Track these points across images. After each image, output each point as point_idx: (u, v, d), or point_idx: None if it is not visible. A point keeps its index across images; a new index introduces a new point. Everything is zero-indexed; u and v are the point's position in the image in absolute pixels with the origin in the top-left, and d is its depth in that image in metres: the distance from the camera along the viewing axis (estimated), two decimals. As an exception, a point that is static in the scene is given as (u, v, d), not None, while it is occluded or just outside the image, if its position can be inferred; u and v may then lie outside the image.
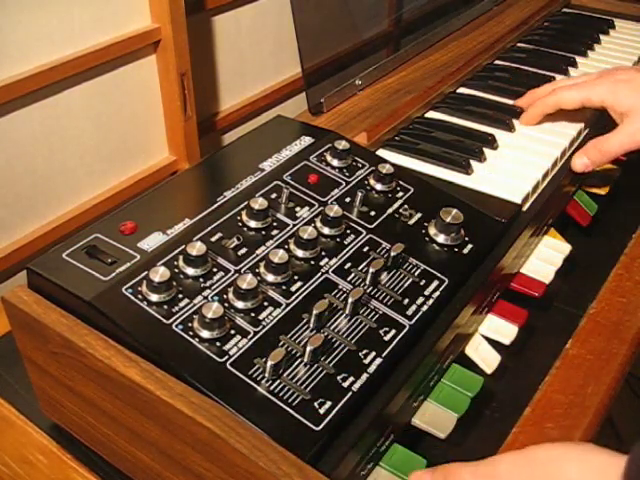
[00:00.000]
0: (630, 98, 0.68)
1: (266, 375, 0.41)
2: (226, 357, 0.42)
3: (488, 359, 0.55)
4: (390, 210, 0.56)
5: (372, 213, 0.55)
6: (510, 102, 0.82)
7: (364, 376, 0.43)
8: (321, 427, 0.39)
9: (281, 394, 0.40)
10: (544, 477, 0.36)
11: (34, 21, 0.65)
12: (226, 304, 0.45)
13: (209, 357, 0.42)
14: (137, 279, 0.45)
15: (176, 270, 0.46)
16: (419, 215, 0.56)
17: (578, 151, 0.72)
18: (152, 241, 0.49)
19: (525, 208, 0.64)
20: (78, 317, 0.44)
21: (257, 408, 0.39)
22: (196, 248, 0.46)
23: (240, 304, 0.45)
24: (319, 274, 0.49)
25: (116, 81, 0.75)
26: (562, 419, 0.51)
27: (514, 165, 0.70)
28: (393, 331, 0.46)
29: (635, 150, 0.69)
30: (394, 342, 0.45)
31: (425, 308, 0.48)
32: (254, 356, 0.42)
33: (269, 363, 0.41)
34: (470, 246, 0.54)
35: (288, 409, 0.40)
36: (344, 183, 0.57)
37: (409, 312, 0.48)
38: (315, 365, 0.43)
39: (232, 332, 0.43)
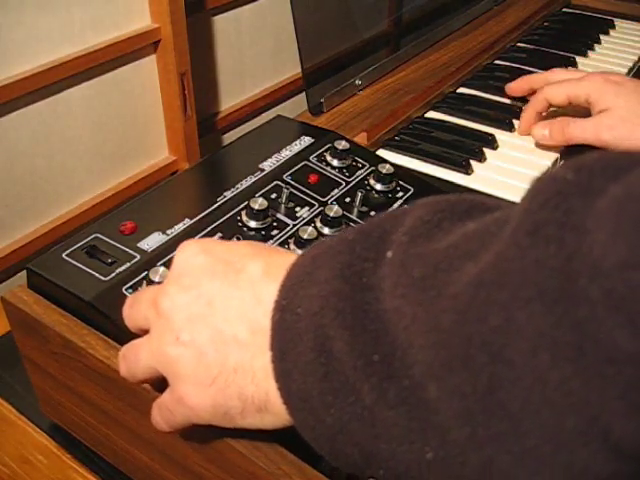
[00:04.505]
0: (612, 97, 0.68)
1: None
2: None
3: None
4: (390, 210, 0.56)
5: (372, 213, 0.55)
6: (510, 102, 0.82)
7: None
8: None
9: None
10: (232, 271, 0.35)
11: (34, 21, 0.65)
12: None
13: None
14: (137, 279, 0.45)
15: (176, 270, 0.46)
16: (419, 215, 0.56)
17: (544, 121, 0.72)
18: (152, 241, 0.49)
19: (525, 208, 0.64)
20: (78, 317, 0.44)
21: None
22: (196, 248, 0.46)
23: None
24: (319, 274, 0.49)
25: (116, 81, 0.75)
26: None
27: (514, 165, 0.70)
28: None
29: (594, 145, 0.67)
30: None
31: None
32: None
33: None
34: (470, 246, 0.54)
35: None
36: (344, 183, 0.57)
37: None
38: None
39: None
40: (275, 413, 0.32)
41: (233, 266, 0.34)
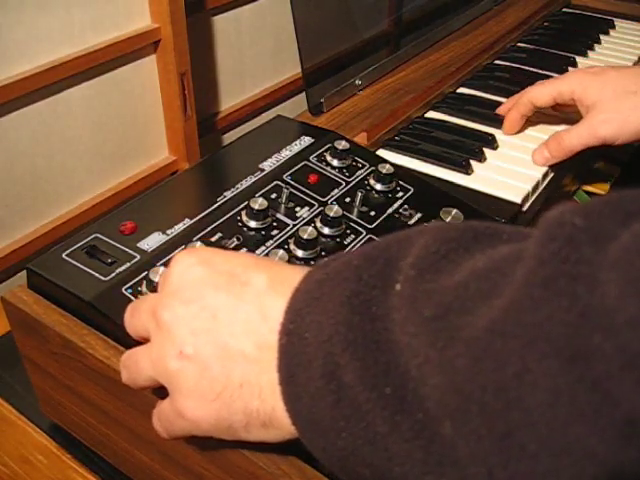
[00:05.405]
0: (597, 90, 0.66)
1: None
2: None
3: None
4: (390, 210, 0.56)
5: (372, 213, 0.55)
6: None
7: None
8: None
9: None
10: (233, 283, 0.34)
11: (34, 21, 0.65)
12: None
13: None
14: (137, 279, 0.45)
15: (176, 270, 0.46)
16: (419, 215, 0.56)
17: (540, 144, 0.71)
18: (152, 241, 0.49)
19: (525, 208, 0.64)
20: (78, 317, 0.44)
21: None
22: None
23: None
24: (319, 274, 0.49)
25: (116, 81, 0.75)
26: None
27: (514, 165, 0.70)
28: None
29: (595, 146, 0.66)
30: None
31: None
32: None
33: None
34: (470, 246, 0.54)
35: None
36: (344, 183, 0.57)
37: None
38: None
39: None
40: (280, 428, 0.32)
41: (237, 278, 0.33)
